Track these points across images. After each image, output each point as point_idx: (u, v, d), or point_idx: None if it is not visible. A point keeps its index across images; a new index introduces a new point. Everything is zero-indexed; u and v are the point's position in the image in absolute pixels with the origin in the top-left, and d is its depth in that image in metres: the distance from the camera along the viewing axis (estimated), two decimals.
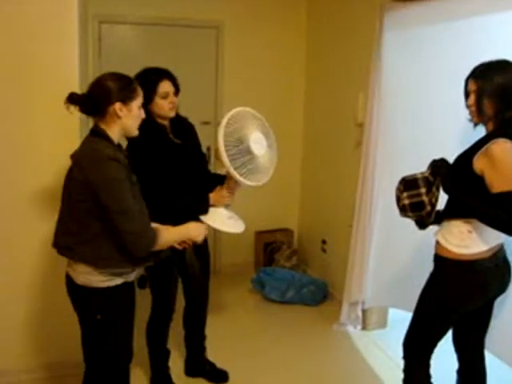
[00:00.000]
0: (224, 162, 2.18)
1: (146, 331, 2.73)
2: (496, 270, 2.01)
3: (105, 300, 1.98)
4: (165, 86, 2.42)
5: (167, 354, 2.82)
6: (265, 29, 4.38)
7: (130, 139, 2.20)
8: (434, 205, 2.02)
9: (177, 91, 2.50)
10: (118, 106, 1.91)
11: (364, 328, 3.60)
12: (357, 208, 3.40)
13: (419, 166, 2.13)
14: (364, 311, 3.57)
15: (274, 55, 4.45)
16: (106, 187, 1.84)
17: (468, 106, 2.00)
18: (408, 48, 2.99)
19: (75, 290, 2.01)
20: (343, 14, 3.86)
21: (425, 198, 2.00)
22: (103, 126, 1.95)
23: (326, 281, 4.13)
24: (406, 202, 2.04)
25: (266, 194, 4.01)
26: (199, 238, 2.15)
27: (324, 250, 4.27)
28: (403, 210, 2.08)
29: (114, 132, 1.96)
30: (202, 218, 2.33)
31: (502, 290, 2.11)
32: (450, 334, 2.19)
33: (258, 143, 2.23)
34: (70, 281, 2.02)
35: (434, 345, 2.13)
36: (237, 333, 3.55)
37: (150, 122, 2.33)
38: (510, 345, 2.34)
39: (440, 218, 2.11)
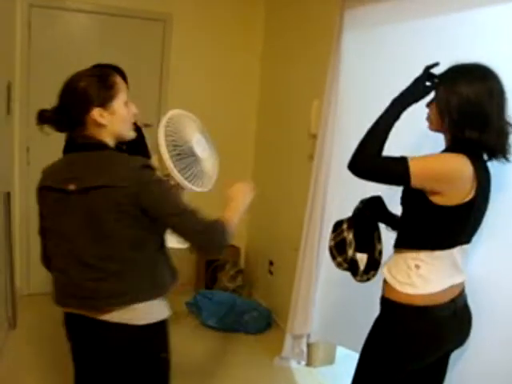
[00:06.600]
0: (166, 163, 1.87)
1: None
2: (453, 319, 1.64)
3: (163, 334, 1.69)
4: None
5: None
6: (216, 26, 3.99)
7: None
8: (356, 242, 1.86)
9: None
10: (96, 112, 1.52)
11: (309, 364, 3.21)
12: (305, 229, 3.01)
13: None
14: (309, 345, 3.18)
15: (225, 56, 4.06)
16: (159, 196, 1.52)
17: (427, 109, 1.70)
18: (369, 49, 2.66)
19: (133, 334, 1.59)
20: (302, 15, 3.50)
21: (345, 234, 1.86)
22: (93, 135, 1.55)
23: (270, 307, 3.74)
24: (332, 243, 1.91)
25: (212, 206, 3.57)
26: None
27: (271, 272, 3.87)
28: (332, 256, 1.94)
29: (107, 139, 1.57)
30: None
31: (461, 342, 1.74)
32: None
33: (201, 145, 2.00)
34: (114, 327, 1.56)
35: None
36: None
37: None
38: None
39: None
